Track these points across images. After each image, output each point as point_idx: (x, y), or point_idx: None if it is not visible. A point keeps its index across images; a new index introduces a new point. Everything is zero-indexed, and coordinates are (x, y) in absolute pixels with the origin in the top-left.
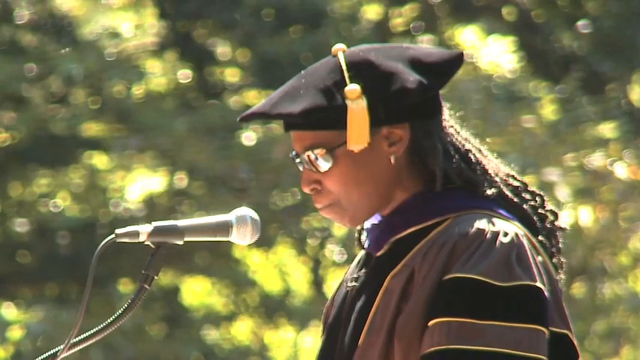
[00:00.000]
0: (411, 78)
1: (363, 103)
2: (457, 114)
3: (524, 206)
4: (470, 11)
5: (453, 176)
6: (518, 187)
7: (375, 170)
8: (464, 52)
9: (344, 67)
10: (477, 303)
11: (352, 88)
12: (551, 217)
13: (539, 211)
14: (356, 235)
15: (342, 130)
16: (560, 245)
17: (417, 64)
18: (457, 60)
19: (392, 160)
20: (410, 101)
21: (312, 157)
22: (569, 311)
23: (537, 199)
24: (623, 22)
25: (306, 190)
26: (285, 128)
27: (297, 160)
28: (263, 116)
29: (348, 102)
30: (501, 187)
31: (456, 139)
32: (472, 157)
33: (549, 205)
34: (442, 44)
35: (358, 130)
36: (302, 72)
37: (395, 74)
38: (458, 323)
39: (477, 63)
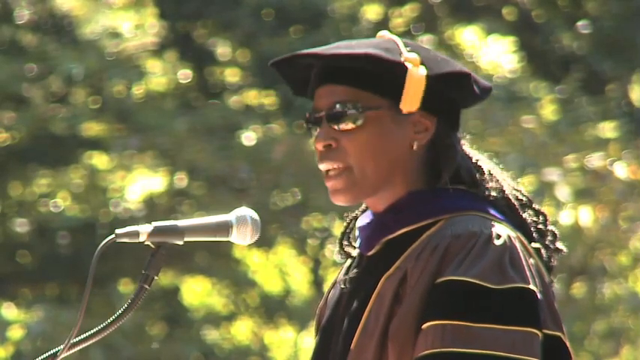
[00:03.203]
0: (465, 68)
1: (424, 71)
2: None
3: (524, 215)
4: (470, 11)
5: (463, 177)
6: (522, 200)
7: (395, 148)
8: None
9: (399, 41)
10: (471, 306)
11: (414, 56)
12: (550, 237)
13: (540, 227)
14: (337, 242)
15: (381, 97)
16: (553, 264)
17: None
18: (488, 91)
19: (414, 146)
20: (463, 85)
21: (343, 109)
22: (568, 311)
23: (540, 217)
24: (623, 22)
25: (320, 145)
26: (320, 81)
27: (316, 115)
28: (316, 57)
29: (409, 65)
30: (506, 193)
31: (468, 151)
32: (482, 165)
33: (551, 226)
34: (442, 44)
35: (414, 95)
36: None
37: (450, 60)
38: (452, 326)
39: (477, 63)
